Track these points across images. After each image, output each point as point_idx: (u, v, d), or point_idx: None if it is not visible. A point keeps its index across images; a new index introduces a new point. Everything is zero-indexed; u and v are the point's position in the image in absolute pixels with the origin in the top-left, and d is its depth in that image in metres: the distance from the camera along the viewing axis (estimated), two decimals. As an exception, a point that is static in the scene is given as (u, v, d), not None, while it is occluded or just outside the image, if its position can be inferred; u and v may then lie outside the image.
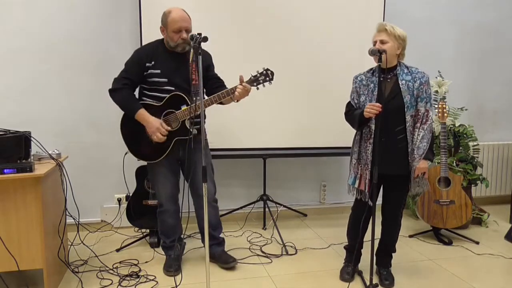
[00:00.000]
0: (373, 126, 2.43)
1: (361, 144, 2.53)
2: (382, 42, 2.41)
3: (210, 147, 2.92)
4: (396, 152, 2.47)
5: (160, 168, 2.74)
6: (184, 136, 2.56)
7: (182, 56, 2.63)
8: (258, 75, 2.56)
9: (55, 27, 3.37)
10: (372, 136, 2.44)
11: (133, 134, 2.67)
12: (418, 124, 2.45)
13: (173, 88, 2.60)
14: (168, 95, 2.60)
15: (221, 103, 2.65)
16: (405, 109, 2.43)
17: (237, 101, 2.60)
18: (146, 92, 2.67)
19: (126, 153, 2.93)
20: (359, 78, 2.56)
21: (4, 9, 3.27)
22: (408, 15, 4.00)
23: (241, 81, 2.52)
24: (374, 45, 2.44)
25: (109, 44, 3.47)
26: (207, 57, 2.74)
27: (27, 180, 2.29)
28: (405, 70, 2.49)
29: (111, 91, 2.63)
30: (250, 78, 2.56)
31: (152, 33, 3.24)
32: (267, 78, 2.56)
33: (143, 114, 2.57)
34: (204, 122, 2.59)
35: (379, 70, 2.38)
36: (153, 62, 2.62)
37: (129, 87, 2.62)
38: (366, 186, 2.48)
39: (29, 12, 3.31)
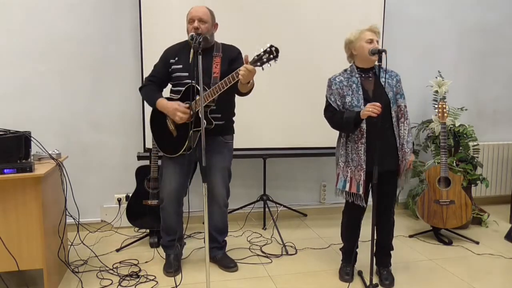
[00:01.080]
0: (364, 126, 2.45)
1: (348, 146, 2.54)
2: (377, 42, 2.51)
3: None
4: (388, 149, 2.51)
5: (169, 166, 2.75)
6: (199, 128, 2.48)
7: (204, 50, 2.51)
8: (262, 53, 2.39)
9: (55, 27, 3.37)
10: (364, 136, 2.46)
11: (158, 130, 2.74)
12: (402, 119, 2.55)
13: (194, 82, 2.60)
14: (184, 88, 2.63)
15: (239, 93, 2.62)
16: (391, 105, 2.50)
17: (249, 83, 2.50)
18: (172, 88, 2.74)
19: (153, 145, 3.10)
20: (338, 80, 2.56)
21: (4, 10, 3.27)
22: (408, 15, 4.00)
23: (246, 61, 2.42)
24: (370, 43, 2.47)
25: (109, 44, 3.48)
26: (232, 51, 2.73)
27: (27, 180, 2.29)
28: (380, 70, 2.55)
29: (139, 89, 2.78)
30: (254, 58, 2.41)
31: (152, 33, 3.26)
32: (271, 56, 2.36)
33: (161, 102, 2.62)
34: (204, 118, 2.55)
35: (379, 70, 2.40)
36: (176, 58, 2.68)
37: (153, 83, 2.73)
38: (361, 188, 2.49)
39: (29, 12, 3.31)
